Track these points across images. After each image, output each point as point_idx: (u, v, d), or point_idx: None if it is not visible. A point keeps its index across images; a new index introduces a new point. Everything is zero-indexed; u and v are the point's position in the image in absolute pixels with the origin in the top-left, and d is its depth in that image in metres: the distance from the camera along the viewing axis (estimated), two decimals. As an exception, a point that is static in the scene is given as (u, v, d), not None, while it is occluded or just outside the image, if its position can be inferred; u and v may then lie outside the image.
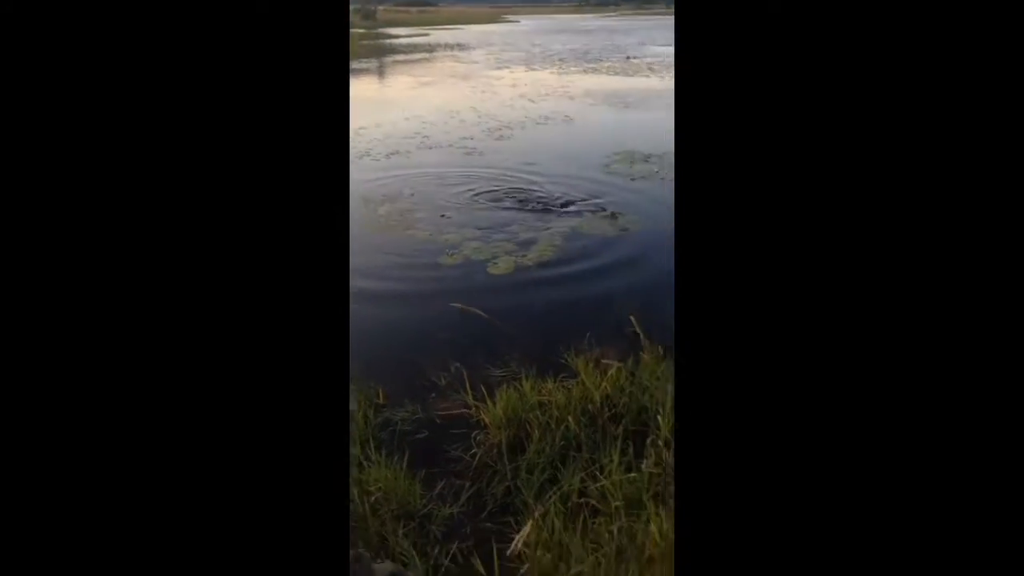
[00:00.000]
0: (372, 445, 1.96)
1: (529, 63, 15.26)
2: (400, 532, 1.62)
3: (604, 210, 4.29)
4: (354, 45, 19.83)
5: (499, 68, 14.18)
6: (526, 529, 1.26)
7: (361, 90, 11.08)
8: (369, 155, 6.09)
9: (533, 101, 9.31)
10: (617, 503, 1.51)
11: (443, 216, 4.25)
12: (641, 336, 2.22)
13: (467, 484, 1.84)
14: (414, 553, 1.54)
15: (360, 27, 33.33)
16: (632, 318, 2.23)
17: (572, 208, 4.35)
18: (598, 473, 1.69)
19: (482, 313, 2.49)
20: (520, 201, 4.52)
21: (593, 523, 1.51)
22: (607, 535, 1.41)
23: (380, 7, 49.23)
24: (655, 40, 21.44)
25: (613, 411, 2.00)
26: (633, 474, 1.60)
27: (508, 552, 1.40)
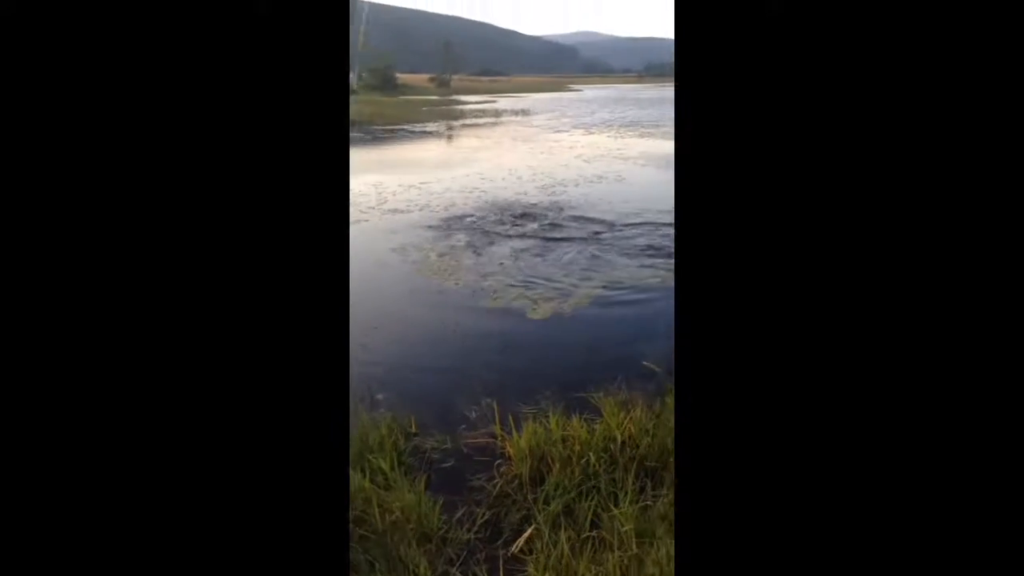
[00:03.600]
0: (400, 470, 2.03)
1: (588, 127, 15.76)
2: (416, 551, 1.66)
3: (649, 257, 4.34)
4: (427, 110, 21.04)
5: (558, 132, 14.72)
6: (527, 533, 1.29)
7: (428, 151, 11.75)
8: (428, 207, 6.43)
9: (588, 161, 9.59)
10: (627, 527, 1.51)
11: (501, 264, 4.41)
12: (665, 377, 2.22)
13: (485, 512, 1.87)
14: (428, 571, 1.58)
15: (435, 94, 35.57)
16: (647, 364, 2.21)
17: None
18: (612, 505, 1.69)
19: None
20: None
21: (601, 552, 1.51)
22: (612, 560, 1.41)
23: (454, 76, 52.53)
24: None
25: (635, 450, 2.00)
26: (646, 503, 1.60)
27: (508, 553, 1.42)
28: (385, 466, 2.00)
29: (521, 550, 1.65)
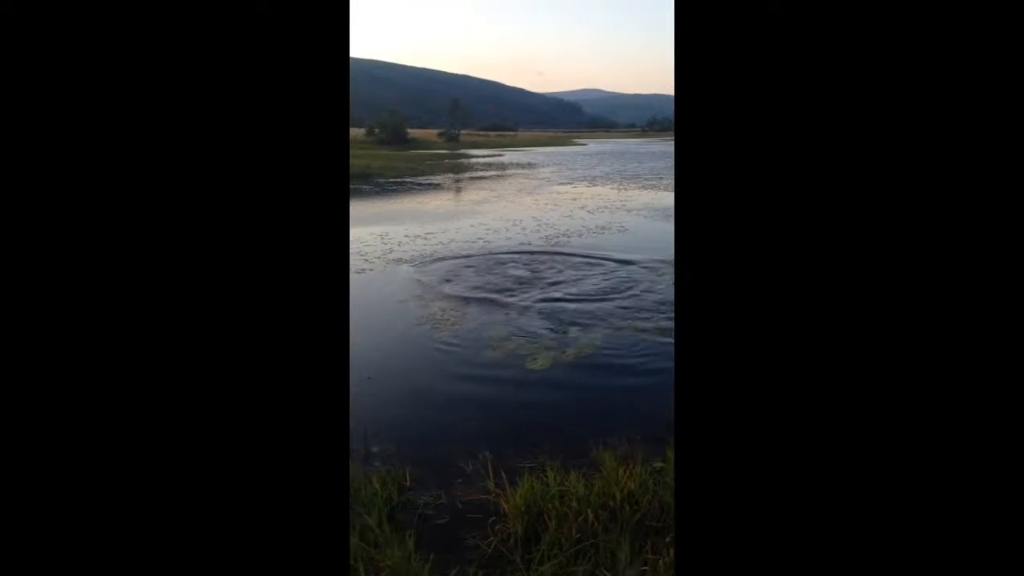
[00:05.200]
0: (390, 526, 1.96)
1: (591, 180, 16.05)
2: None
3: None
4: (436, 163, 21.57)
5: (563, 184, 14.99)
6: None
7: (436, 202, 11.96)
8: (432, 257, 6.48)
9: (592, 213, 9.71)
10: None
11: (506, 314, 4.40)
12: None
13: (478, 573, 1.79)
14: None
15: (444, 148, 36.58)
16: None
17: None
18: (608, 568, 1.61)
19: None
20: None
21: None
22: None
23: (463, 131, 54.05)
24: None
25: (635, 507, 1.92)
26: (644, 568, 1.52)
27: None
28: (373, 522, 1.93)
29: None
